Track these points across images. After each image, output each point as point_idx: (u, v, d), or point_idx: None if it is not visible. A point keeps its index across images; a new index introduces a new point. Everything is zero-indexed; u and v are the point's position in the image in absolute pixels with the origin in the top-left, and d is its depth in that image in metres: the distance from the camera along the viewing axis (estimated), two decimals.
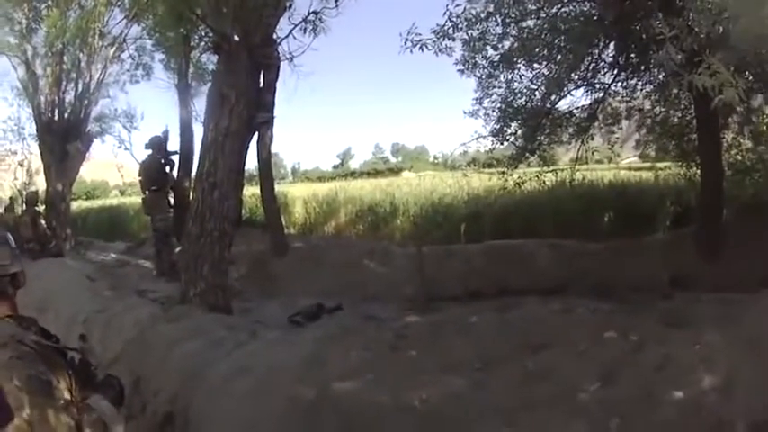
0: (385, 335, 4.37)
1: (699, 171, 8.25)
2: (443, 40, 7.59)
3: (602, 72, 8.76)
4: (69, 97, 12.31)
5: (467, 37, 8.13)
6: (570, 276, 5.55)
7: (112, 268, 10.13)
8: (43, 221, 10.88)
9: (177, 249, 8.61)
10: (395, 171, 43.23)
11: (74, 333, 5.31)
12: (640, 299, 4.73)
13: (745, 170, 8.76)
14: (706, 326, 3.79)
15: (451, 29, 7.62)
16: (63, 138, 12.03)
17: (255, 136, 6.95)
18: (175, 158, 9.90)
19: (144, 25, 12.42)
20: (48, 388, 1.63)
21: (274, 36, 6.56)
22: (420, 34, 7.28)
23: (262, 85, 6.38)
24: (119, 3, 11.90)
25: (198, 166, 6.24)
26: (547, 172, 10.25)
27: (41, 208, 11.76)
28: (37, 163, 13.71)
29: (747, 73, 6.46)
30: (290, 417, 3.27)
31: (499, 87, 9.02)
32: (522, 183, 9.68)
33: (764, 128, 8.94)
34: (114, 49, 12.55)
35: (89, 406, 1.75)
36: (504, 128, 9.04)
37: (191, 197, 7.26)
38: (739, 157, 8.91)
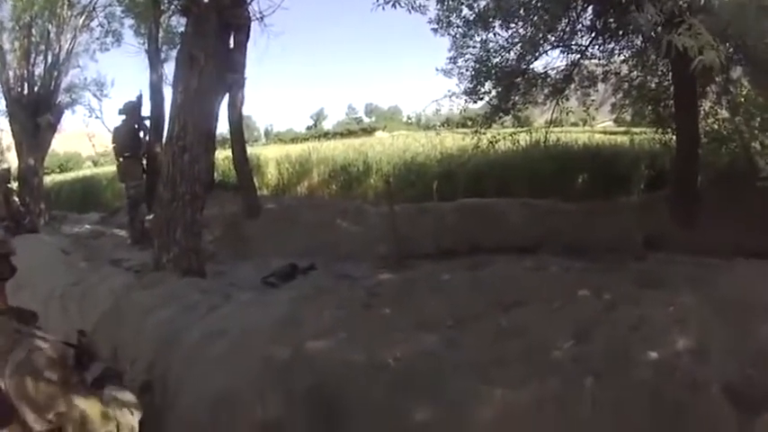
0: (358, 293, 4.37)
1: (674, 137, 8.31)
2: None
3: (580, 34, 8.73)
4: (39, 70, 12.09)
5: None
6: (543, 235, 5.57)
7: (87, 240, 10.05)
8: (16, 198, 10.75)
9: (149, 216, 8.44)
10: (368, 131, 42.58)
11: (52, 308, 5.31)
12: (614, 259, 4.76)
13: (721, 139, 8.85)
14: (680, 288, 3.84)
15: None
16: (33, 112, 11.83)
17: (226, 98, 6.84)
18: (148, 124, 9.76)
19: None
20: (74, 382, 1.67)
21: None
22: None
23: (232, 45, 6.27)
24: None
25: (168, 130, 6.12)
26: (520, 132, 10.27)
27: (14, 185, 11.53)
28: (8, 140, 13.60)
29: (728, 44, 6.48)
30: (264, 377, 3.25)
31: (474, 47, 8.96)
32: (496, 142, 9.68)
33: (742, 99, 9.01)
34: (84, 17, 12.30)
35: (114, 396, 1.78)
36: (478, 87, 8.99)
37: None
38: (716, 126, 8.99)
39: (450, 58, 9.25)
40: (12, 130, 12.24)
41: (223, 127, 10.12)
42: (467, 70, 9.05)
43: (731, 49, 6.75)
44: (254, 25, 6.96)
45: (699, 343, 3.25)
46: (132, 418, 1.78)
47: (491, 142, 9.55)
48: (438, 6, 8.41)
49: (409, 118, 60.10)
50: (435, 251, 6.00)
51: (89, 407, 1.66)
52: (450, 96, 9.28)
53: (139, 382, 3.82)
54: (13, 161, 13.58)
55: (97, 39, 13.22)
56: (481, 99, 9.32)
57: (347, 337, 3.43)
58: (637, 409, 2.79)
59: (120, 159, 9.11)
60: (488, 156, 10.50)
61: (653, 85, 9.47)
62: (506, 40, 8.77)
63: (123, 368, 4.01)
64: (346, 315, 3.84)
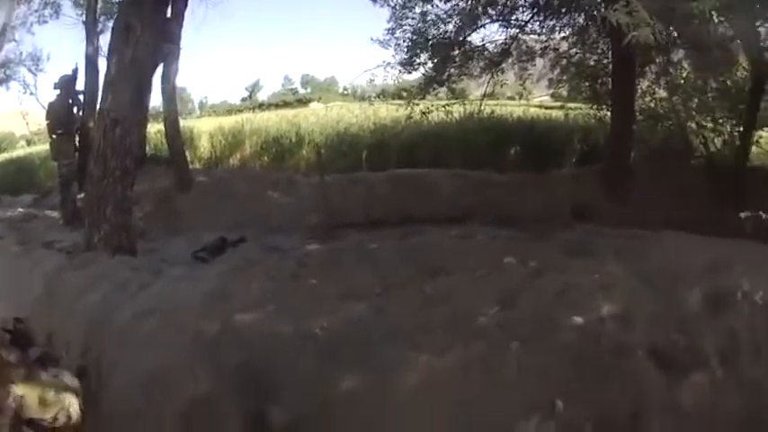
0: (287, 264, 4.38)
1: (609, 113, 8.50)
2: None
3: (521, 10, 8.81)
4: None
5: None
6: (473, 206, 5.66)
7: (20, 223, 9.68)
8: None
9: (80, 195, 8.20)
10: (304, 102, 42.11)
11: None
12: (542, 229, 4.86)
13: (657, 117, 9.15)
14: (607, 257, 3.95)
15: None
16: None
17: (160, 69, 6.67)
18: (82, 98, 9.43)
19: None
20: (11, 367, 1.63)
21: None
22: None
23: (169, 15, 6.10)
24: None
25: (100, 103, 5.93)
26: (454, 104, 10.34)
27: None
28: None
29: (672, 27, 6.62)
30: (194, 353, 3.22)
31: (413, 18, 8.94)
32: (428, 113, 9.71)
33: (682, 81, 9.32)
34: None
35: (55, 380, 1.73)
36: (414, 58, 8.99)
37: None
38: (653, 105, 9.25)
39: (389, 29, 9.23)
40: None
41: (156, 99, 9.92)
42: (404, 41, 9.04)
43: (675, 32, 6.95)
44: None
45: (624, 309, 3.34)
46: (74, 402, 1.74)
47: (423, 113, 9.58)
48: None
49: (345, 89, 59.60)
50: (365, 221, 6.03)
51: (28, 392, 1.61)
52: (384, 67, 9.27)
53: (75, 367, 3.76)
54: None
55: (35, 11, 12.74)
56: (416, 70, 9.36)
57: (276, 309, 3.42)
58: (562, 373, 2.87)
59: (53, 136, 8.78)
60: (422, 127, 10.57)
61: (592, 63, 9.67)
62: (445, 12, 8.79)
63: (59, 353, 3.94)
64: (275, 287, 3.83)
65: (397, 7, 8.89)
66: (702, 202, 7.26)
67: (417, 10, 8.83)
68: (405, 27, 9.00)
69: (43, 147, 16.21)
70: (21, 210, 11.21)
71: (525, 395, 2.77)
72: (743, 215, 6.88)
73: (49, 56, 13.29)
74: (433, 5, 8.76)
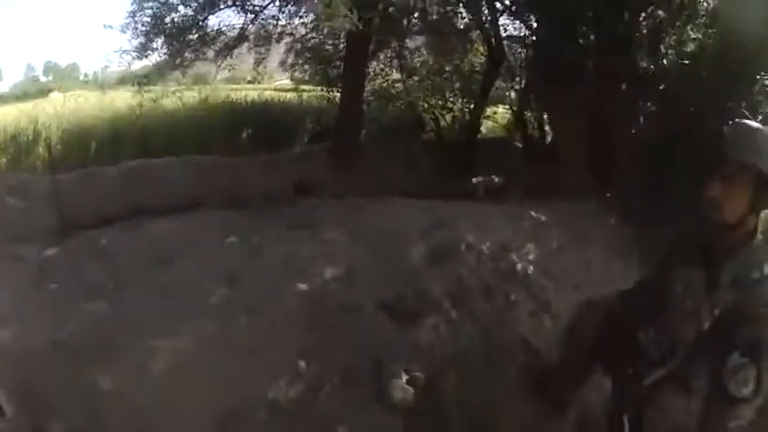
0: (28, 272, 4.17)
1: (339, 94, 9.04)
2: None
3: None
4: None
5: None
6: (205, 191, 5.70)
7: None
8: None
9: None
10: (44, 93, 37.87)
11: None
12: (265, 207, 5.06)
13: (388, 98, 10.03)
14: (328, 226, 4.33)
15: None
16: None
17: None
18: None
19: None
20: None
21: None
22: None
23: None
24: None
25: None
26: (186, 89, 10.20)
27: None
28: None
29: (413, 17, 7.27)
30: None
31: (154, 1, 8.61)
32: (159, 99, 9.44)
33: (418, 65, 10.33)
34: None
35: None
36: (149, 42, 8.68)
37: None
38: (384, 85, 10.10)
39: (130, 12, 8.75)
40: None
41: None
42: (142, 25, 8.66)
43: (417, 22, 8.23)
44: None
45: (348, 272, 3.76)
46: None
47: (154, 100, 9.29)
48: None
49: (86, 76, 54.67)
50: (99, 218, 5.81)
51: None
52: (120, 53, 8.82)
53: None
54: None
55: None
56: (151, 55, 9.02)
57: (28, 321, 3.31)
58: (297, 336, 3.18)
59: None
60: (157, 114, 10.19)
61: (329, 48, 10.23)
62: None
63: None
64: (21, 298, 3.66)
65: None
66: (433, 172, 7.95)
67: None
68: (146, 10, 8.55)
69: None
70: None
71: (267, 362, 3.02)
72: (475, 180, 7.63)
73: None
74: None
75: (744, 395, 1.98)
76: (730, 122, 2.06)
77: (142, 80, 9.19)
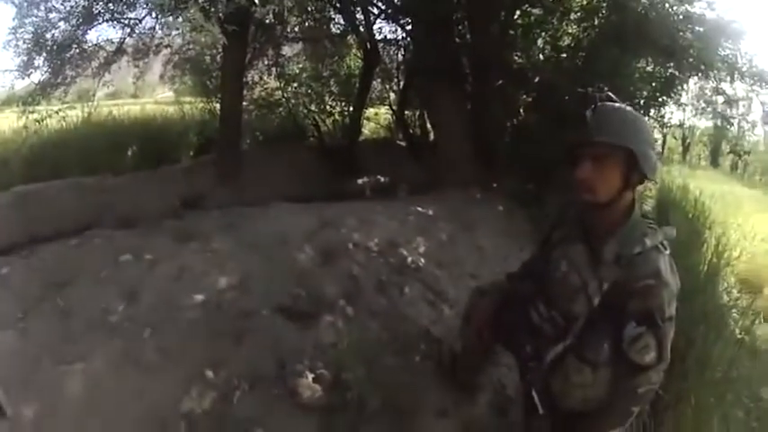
0: None
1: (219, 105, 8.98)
2: None
3: (136, 6, 8.68)
4: None
5: None
6: (93, 213, 5.56)
7: None
8: None
9: None
10: None
11: None
12: (153, 223, 5.00)
13: (268, 106, 10.04)
14: (214, 236, 4.36)
15: None
16: None
17: None
18: None
19: None
20: None
21: None
22: None
23: None
24: None
25: None
26: (67, 108, 9.75)
27: None
28: None
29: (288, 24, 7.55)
30: None
31: (37, 17, 8.16)
32: (43, 120, 9.04)
33: (297, 72, 10.42)
34: None
35: None
36: (31, 61, 8.24)
37: None
38: (263, 94, 10.07)
39: (11, 29, 8.23)
40: None
41: None
42: (24, 42, 8.18)
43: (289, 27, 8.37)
44: None
45: (240, 279, 3.82)
46: None
47: (37, 121, 8.86)
48: None
49: None
50: None
51: None
52: (2, 72, 8.31)
53: None
54: None
55: None
56: (33, 74, 8.57)
57: None
58: (200, 346, 3.24)
59: None
60: (42, 136, 9.68)
61: (206, 58, 10.17)
62: (67, 11, 8.22)
63: None
64: None
65: (24, 6, 7.85)
66: (318, 177, 8.00)
67: (43, 8, 7.94)
68: (28, 27, 8.05)
69: None
70: None
71: (177, 375, 3.05)
72: (361, 181, 7.85)
73: None
74: (55, 4, 8.00)
75: (647, 362, 2.14)
76: (593, 106, 2.16)
77: (27, 100, 8.66)
